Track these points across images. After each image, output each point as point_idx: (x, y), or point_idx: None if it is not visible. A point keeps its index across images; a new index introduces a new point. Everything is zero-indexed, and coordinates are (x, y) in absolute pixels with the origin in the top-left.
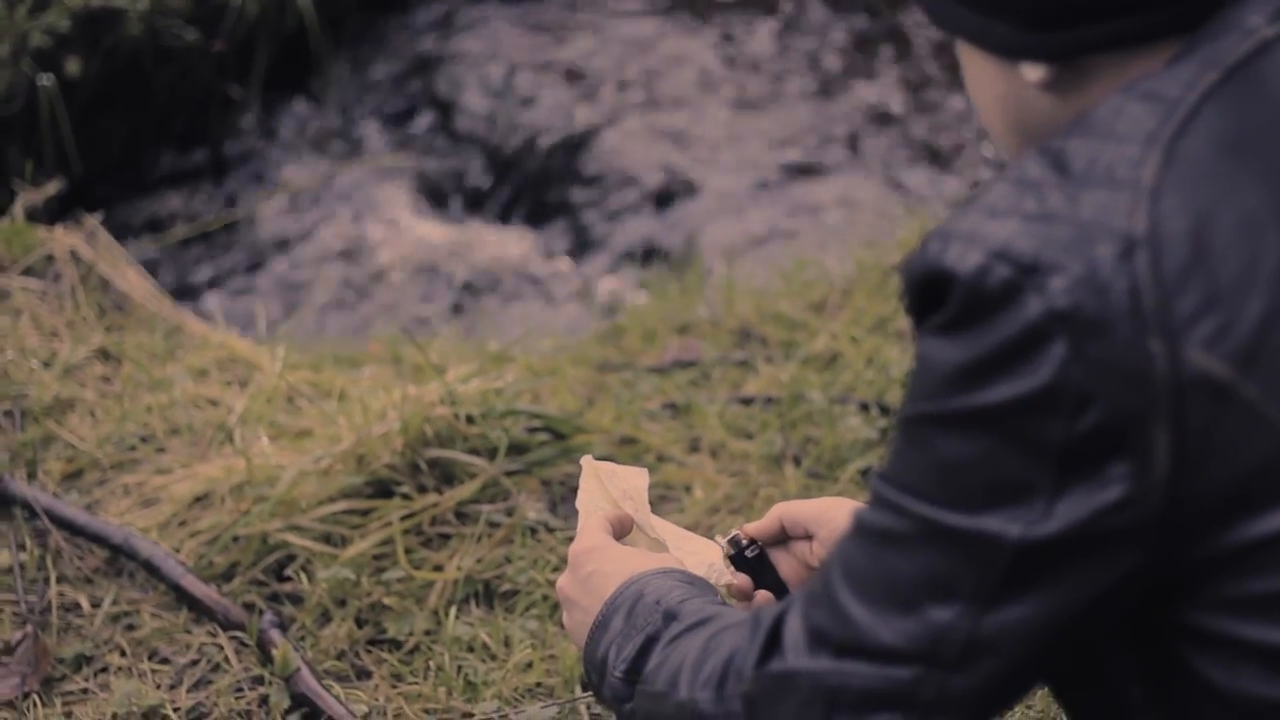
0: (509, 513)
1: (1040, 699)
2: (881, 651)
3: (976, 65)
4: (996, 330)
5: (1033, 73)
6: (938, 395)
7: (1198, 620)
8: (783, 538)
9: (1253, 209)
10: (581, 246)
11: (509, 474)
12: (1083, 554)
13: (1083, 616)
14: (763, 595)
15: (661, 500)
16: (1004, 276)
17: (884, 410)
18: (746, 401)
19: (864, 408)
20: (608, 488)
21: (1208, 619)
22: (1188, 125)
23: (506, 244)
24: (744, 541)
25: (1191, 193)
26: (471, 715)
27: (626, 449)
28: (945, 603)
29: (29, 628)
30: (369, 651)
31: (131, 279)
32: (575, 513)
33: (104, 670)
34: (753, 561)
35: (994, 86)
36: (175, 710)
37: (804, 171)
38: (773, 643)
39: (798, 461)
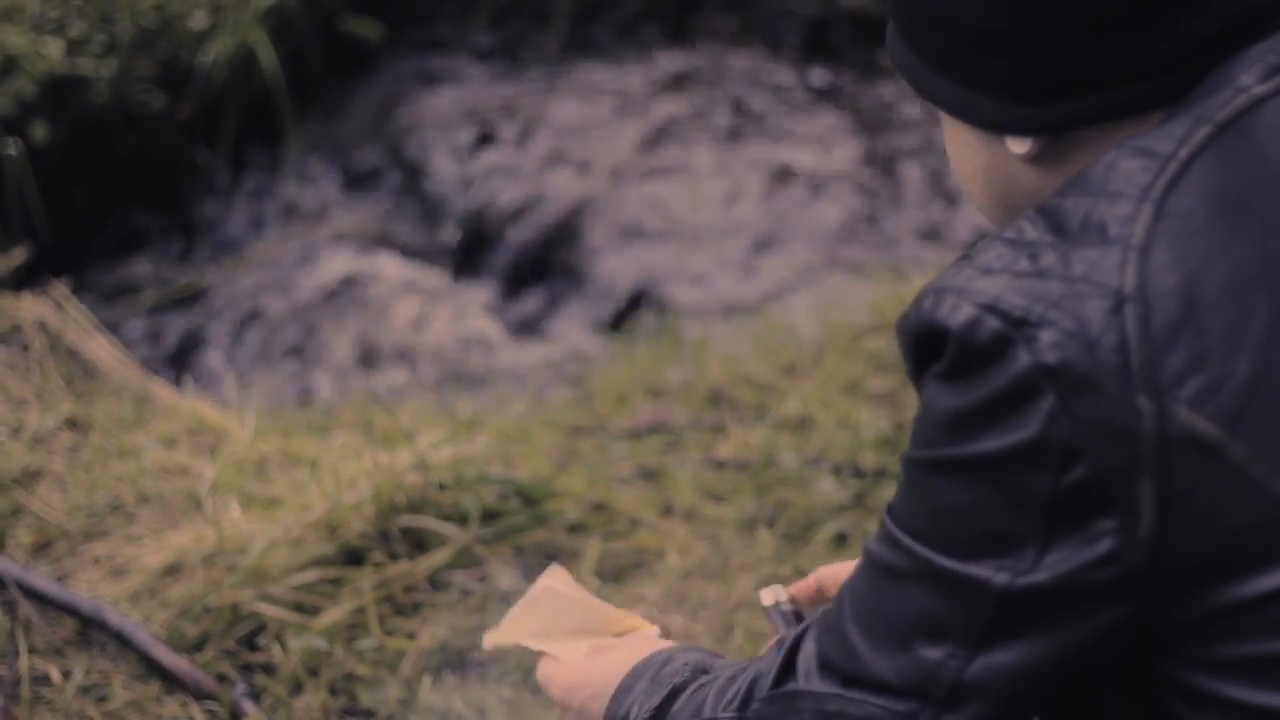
0: (482, 580)
1: None
2: (879, 684)
3: (960, 137)
4: (988, 382)
5: (1018, 146)
6: (934, 441)
7: (1184, 677)
8: (822, 599)
9: (1242, 266)
10: (551, 310)
11: (482, 541)
12: (1067, 605)
13: (1068, 664)
14: None
15: (635, 567)
16: (994, 329)
17: (856, 473)
18: (719, 465)
19: (836, 470)
20: (530, 624)
21: (1193, 676)
22: (1178, 181)
23: (476, 308)
24: (784, 602)
25: (1182, 249)
26: None
27: (599, 514)
28: (936, 643)
29: None
30: None
31: (99, 347)
32: None
33: None
34: (790, 620)
35: (978, 158)
36: None
37: (772, 238)
38: (789, 665)
39: (771, 525)
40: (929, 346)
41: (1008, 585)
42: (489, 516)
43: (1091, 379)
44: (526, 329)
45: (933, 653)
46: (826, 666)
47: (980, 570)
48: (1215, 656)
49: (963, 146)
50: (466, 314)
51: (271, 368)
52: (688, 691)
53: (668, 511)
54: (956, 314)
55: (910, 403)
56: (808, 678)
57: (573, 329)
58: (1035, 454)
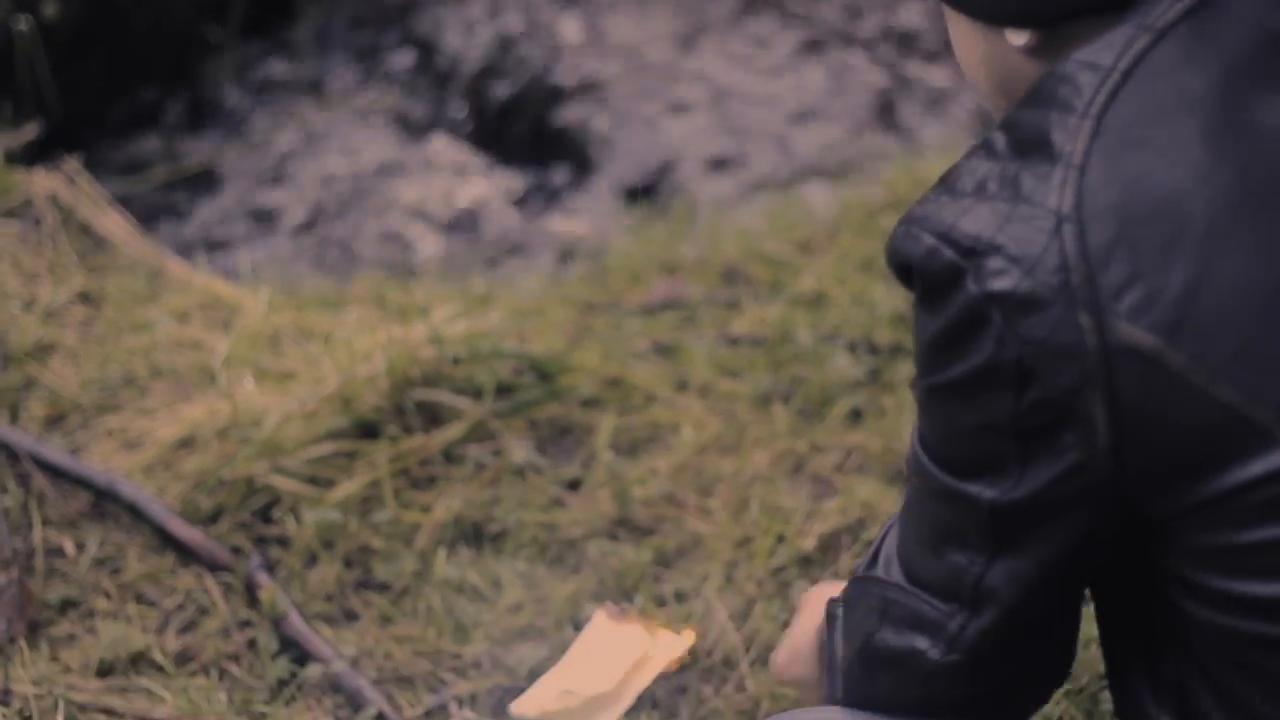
0: (496, 454)
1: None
2: (927, 584)
3: (962, 28)
4: (946, 311)
5: (1017, 38)
6: (921, 368)
7: (1177, 569)
8: None
9: (1178, 176)
10: (566, 187)
11: (496, 415)
12: (1051, 516)
13: (1066, 567)
14: None
15: (650, 441)
16: (947, 260)
17: (872, 349)
18: (734, 341)
19: (851, 347)
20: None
21: (1183, 568)
22: (1117, 93)
23: (489, 185)
24: None
25: (1118, 164)
26: (461, 657)
27: (613, 389)
28: (960, 549)
29: (13, 572)
30: (357, 594)
31: (112, 222)
32: (564, 454)
33: (90, 614)
34: None
35: (979, 50)
36: (163, 654)
37: (791, 113)
38: (876, 551)
39: (786, 400)
40: (904, 277)
41: (995, 501)
42: (503, 391)
43: (1034, 301)
44: (542, 205)
45: (959, 558)
46: (895, 561)
47: (973, 488)
48: (1195, 548)
49: (964, 38)
50: (481, 190)
51: (284, 244)
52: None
53: (682, 387)
54: (917, 246)
55: None
56: (883, 567)
57: (589, 205)
58: (991, 378)
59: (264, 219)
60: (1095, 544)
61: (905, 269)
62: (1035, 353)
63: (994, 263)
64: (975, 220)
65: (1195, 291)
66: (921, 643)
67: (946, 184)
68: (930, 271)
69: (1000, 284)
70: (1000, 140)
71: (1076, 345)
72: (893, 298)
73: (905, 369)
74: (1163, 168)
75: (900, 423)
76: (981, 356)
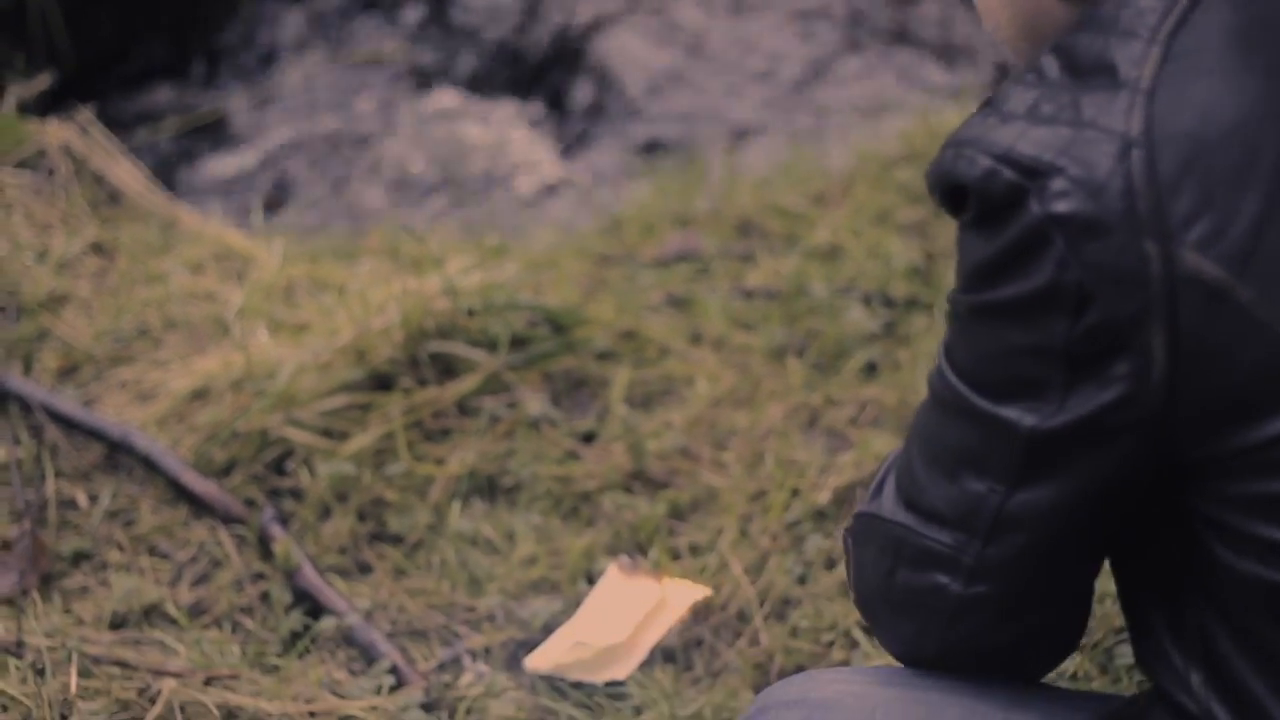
0: (511, 406)
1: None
2: (933, 513)
3: None
4: (1005, 233)
5: None
6: (967, 286)
7: (1213, 512)
8: None
9: (1250, 105)
10: (579, 139)
11: (510, 367)
12: (1090, 446)
13: (1097, 500)
14: None
15: (664, 394)
16: (1008, 181)
17: (887, 302)
18: (748, 294)
19: (866, 300)
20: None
21: (1220, 512)
22: (1187, 18)
23: (502, 137)
24: None
25: (1189, 91)
26: (475, 610)
27: (628, 342)
28: (979, 476)
29: (26, 524)
30: (371, 546)
31: (125, 172)
32: (578, 407)
33: (103, 567)
34: None
35: None
36: (176, 606)
37: (805, 66)
38: (879, 486)
39: (801, 354)
40: (954, 199)
41: (1035, 428)
42: (517, 343)
43: (1099, 225)
44: (555, 158)
45: (977, 485)
46: (898, 492)
47: (1010, 412)
48: (1238, 493)
49: None
50: (493, 141)
51: (297, 194)
52: None
53: (697, 340)
54: (974, 168)
55: (941, 234)
56: (887, 502)
57: (602, 158)
58: (1049, 301)
59: (276, 169)
60: (1124, 484)
61: (956, 191)
62: (1097, 278)
63: (1058, 184)
64: (1034, 142)
65: (1266, 225)
66: (941, 578)
67: (994, 108)
68: (989, 193)
69: (1064, 206)
70: (1053, 65)
71: (1140, 273)
72: (908, 250)
73: (921, 322)
74: (1233, 97)
75: (915, 376)
76: (1040, 279)
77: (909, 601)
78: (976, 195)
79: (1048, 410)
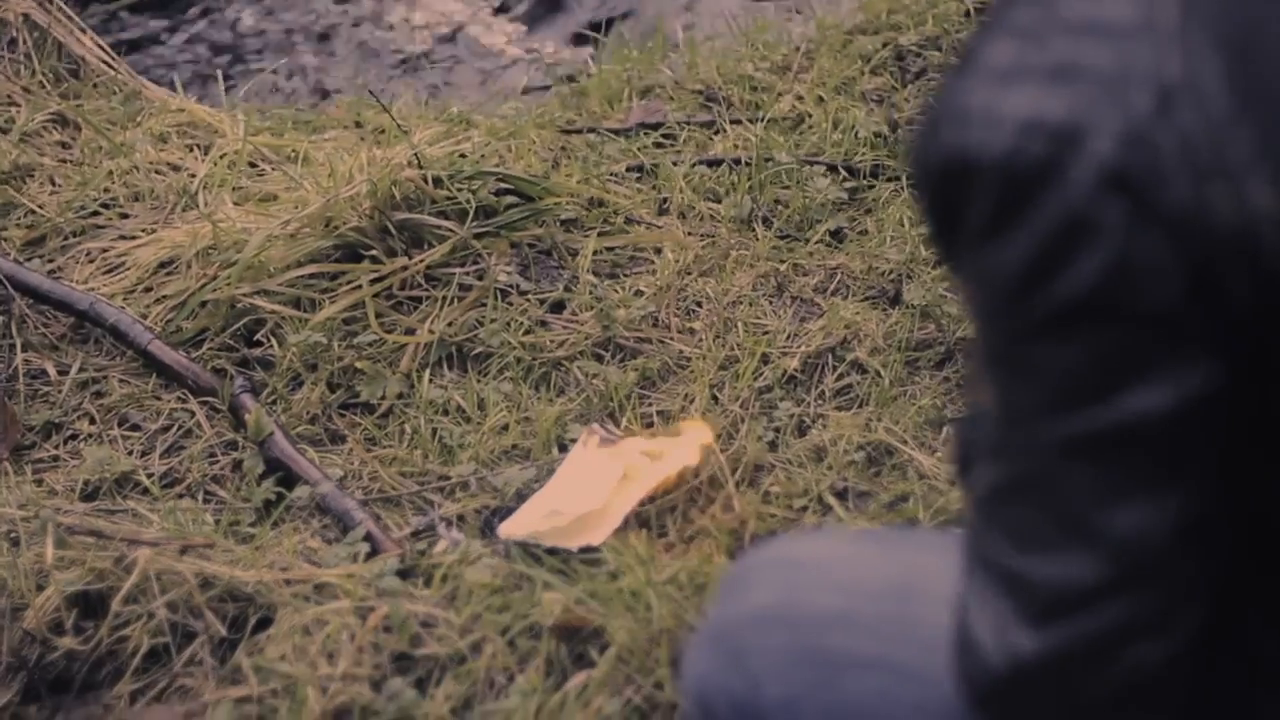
0: (480, 275)
1: None
2: (1090, 593)
3: None
4: (1046, 213)
5: None
6: (1013, 311)
7: None
8: None
9: None
10: (541, 10)
11: (478, 236)
12: (1214, 415)
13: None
14: None
15: (632, 263)
16: (1040, 152)
17: (851, 171)
18: (714, 163)
19: (832, 169)
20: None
21: None
22: None
23: (462, 7)
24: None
25: (1222, 20)
26: (449, 478)
27: (594, 211)
28: (1128, 505)
29: None
30: (342, 415)
31: (87, 44)
32: (546, 276)
33: (74, 437)
34: None
35: None
36: (148, 476)
37: None
38: (968, 641)
39: (767, 222)
40: (958, 185)
41: (1160, 408)
42: (485, 213)
43: (1157, 179)
44: (514, 28)
45: (1131, 517)
46: (1009, 621)
47: (1133, 403)
48: None
49: None
50: (453, 11)
51: (259, 69)
52: None
53: (663, 209)
54: (991, 145)
55: (904, 103)
56: (1008, 647)
57: (562, 27)
58: (1121, 272)
59: (237, 45)
60: (1241, 435)
61: (963, 174)
62: (1166, 233)
63: (1099, 143)
64: (1057, 101)
65: None
66: (1141, 650)
67: (983, 69)
68: (1016, 173)
69: (1116, 163)
70: (1026, 8)
71: (1211, 221)
72: (871, 120)
73: (885, 191)
74: (1274, 16)
75: (881, 243)
76: (1107, 251)
77: (1120, 698)
78: (1000, 178)
79: (1163, 387)
